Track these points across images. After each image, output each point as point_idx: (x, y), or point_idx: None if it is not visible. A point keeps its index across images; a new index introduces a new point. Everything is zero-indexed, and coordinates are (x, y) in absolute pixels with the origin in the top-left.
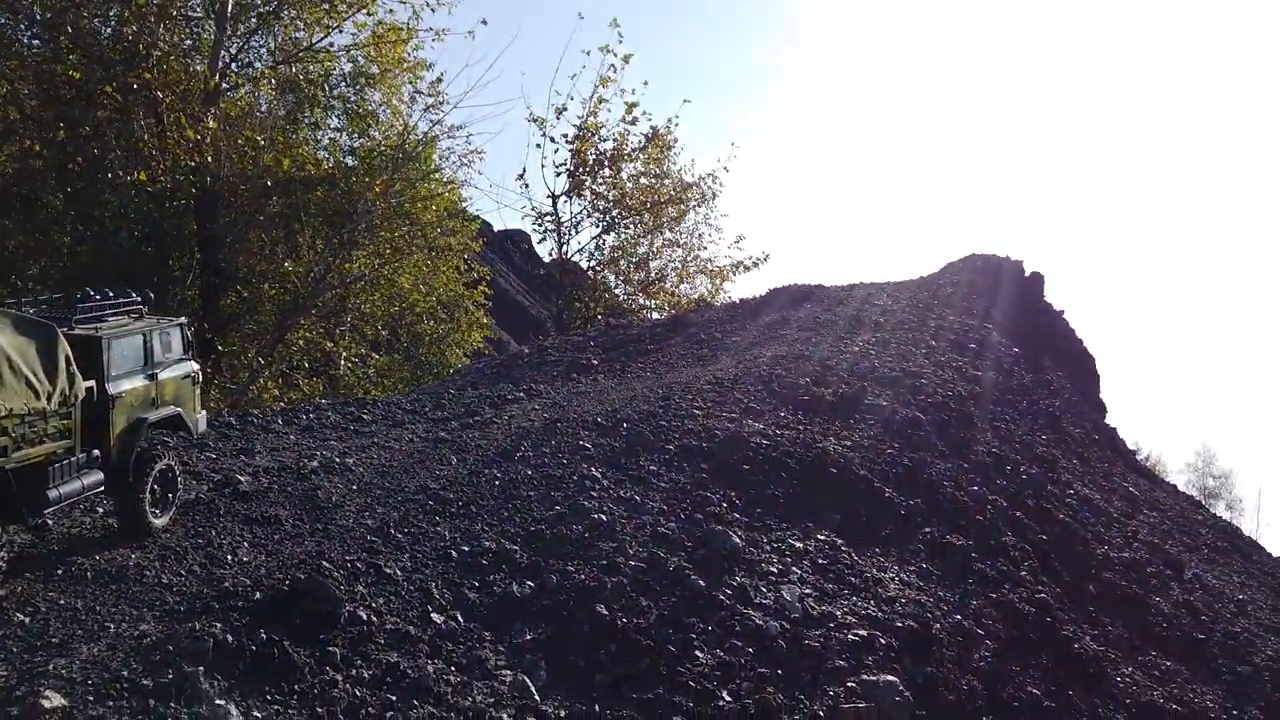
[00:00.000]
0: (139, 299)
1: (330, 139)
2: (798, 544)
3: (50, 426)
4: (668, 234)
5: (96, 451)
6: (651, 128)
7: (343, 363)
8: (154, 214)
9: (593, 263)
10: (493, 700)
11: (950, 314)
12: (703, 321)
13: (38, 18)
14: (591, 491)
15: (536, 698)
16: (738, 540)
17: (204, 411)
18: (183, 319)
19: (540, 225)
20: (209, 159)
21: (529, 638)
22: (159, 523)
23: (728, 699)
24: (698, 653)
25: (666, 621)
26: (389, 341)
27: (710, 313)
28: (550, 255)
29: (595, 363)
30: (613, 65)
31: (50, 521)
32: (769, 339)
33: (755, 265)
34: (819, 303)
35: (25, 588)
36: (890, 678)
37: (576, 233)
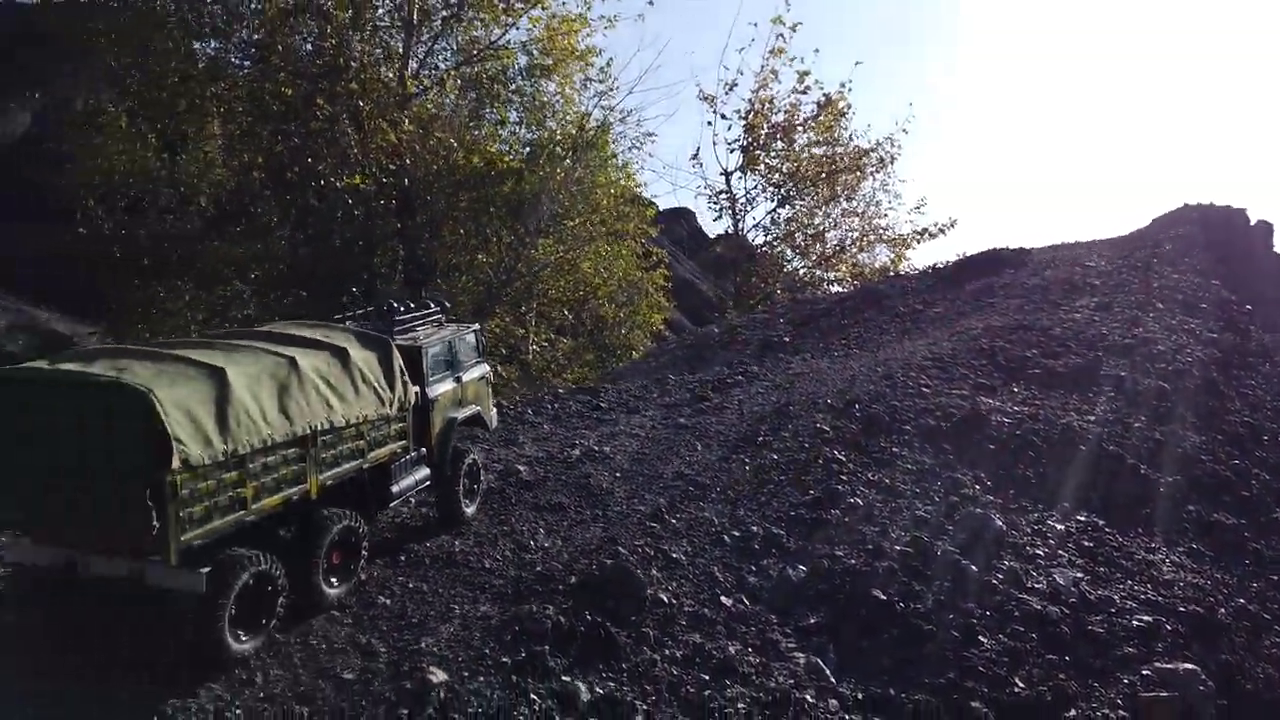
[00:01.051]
0: (439, 308)
1: (511, 132)
2: (1059, 526)
3: (392, 430)
4: (844, 203)
5: (424, 449)
6: (824, 95)
7: (532, 348)
8: (361, 215)
9: (768, 238)
10: (793, 682)
11: (1172, 272)
12: (896, 292)
13: (248, 39)
14: (841, 475)
15: (832, 679)
16: (1000, 523)
17: (495, 409)
18: (476, 325)
19: (715, 204)
20: (407, 160)
21: (813, 621)
22: (469, 511)
23: (1020, 685)
24: (981, 638)
25: (944, 606)
26: (573, 326)
27: (902, 282)
28: (724, 232)
29: (787, 339)
30: (781, 35)
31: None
32: (976, 309)
33: (941, 232)
34: (1024, 267)
35: (379, 572)
36: (1191, 666)
37: (751, 208)
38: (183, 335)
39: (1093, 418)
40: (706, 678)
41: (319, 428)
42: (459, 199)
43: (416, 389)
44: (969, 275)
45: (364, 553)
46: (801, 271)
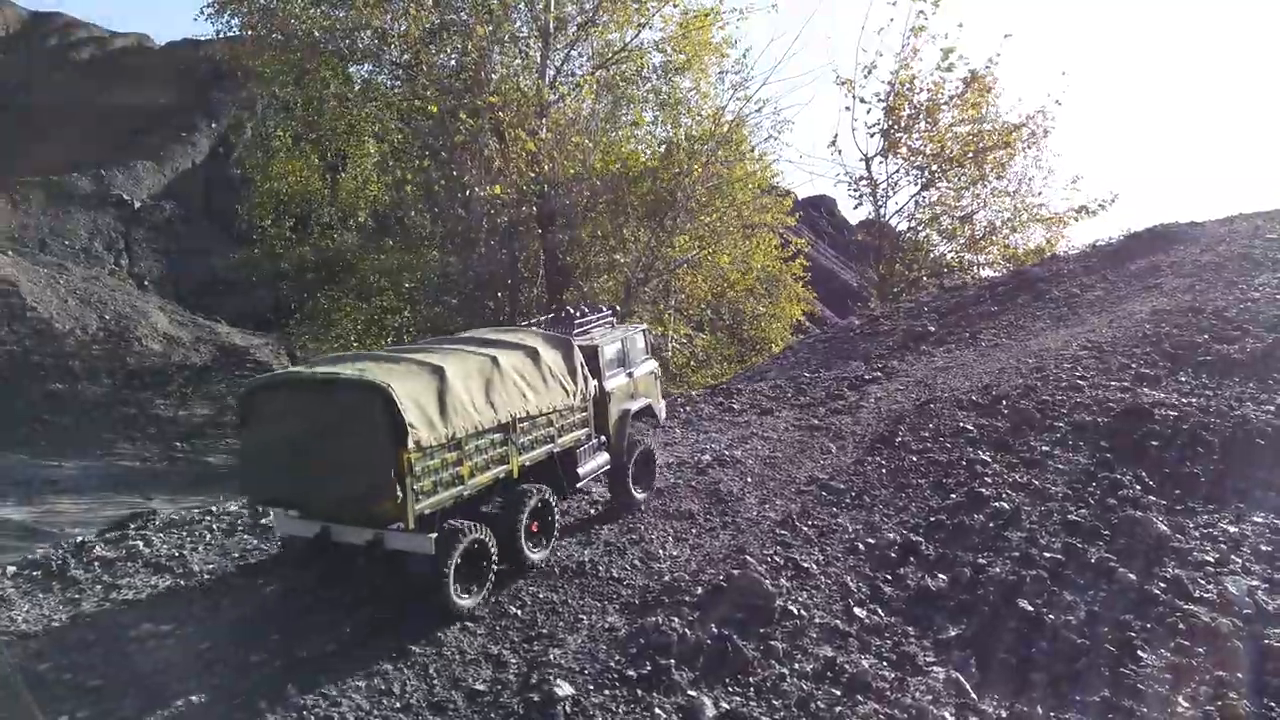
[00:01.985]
0: (611, 311)
1: (648, 131)
2: (1231, 529)
3: (576, 418)
4: (994, 183)
5: (604, 437)
6: (970, 71)
7: (670, 344)
8: (504, 223)
9: (912, 223)
10: (930, 699)
11: None
12: (1051, 275)
13: (396, 60)
14: (985, 477)
15: (974, 696)
16: (1163, 527)
17: (664, 402)
18: (644, 326)
19: (855, 191)
20: (546, 167)
21: (954, 633)
22: (640, 497)
23: (1185, 705)
24: (1140, 652)
25: (1099, 618)
26: (712, 321)
27: (1058, 264)
28: (865, 219)
29: (932, 329)
30: (922, 12)
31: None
32: (1141, 290)
33: (1101, 208)
34: (1194, 243)
35: (510, 582)
36: None
37: (894, 193)
38: (344, 345)
39: (1272, 409)
40: (838, 693)
41: (518, 416)
42: (597, 201)
43: (595, 383)
44: (1133, 254)
45: (555, 525)
46: (949, 256)
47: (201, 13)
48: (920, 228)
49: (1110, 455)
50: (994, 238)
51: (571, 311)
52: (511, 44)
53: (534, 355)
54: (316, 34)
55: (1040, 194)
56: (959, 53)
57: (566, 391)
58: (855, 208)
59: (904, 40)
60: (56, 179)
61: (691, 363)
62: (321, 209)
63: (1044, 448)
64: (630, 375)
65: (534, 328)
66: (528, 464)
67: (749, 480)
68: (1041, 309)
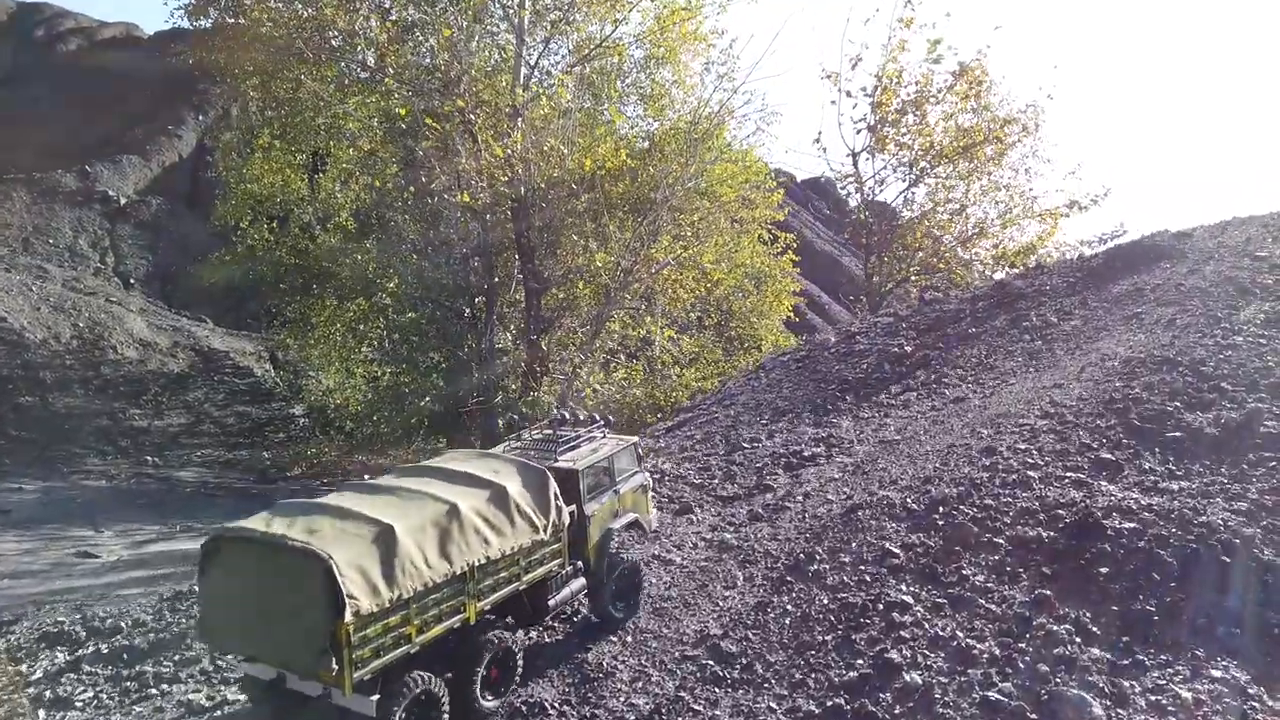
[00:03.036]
0: (603, 422)
1: (631, 126)
2: (1185, 692)
3: (547, 552)
4: (987, 178)
5: (579, 563)
6: (959, 64)
7: (657, 344)
8: (478, 229)
9: (899, 220)
10: None
11: None
12: (1033, 291)
13: (362, 62)
14: (902, 630)
15: None
16: (1098, 711)
17: (656, 511)
18: (635, 439)
19: (843, 188)
20: (519, 171)
21: None
22: (619, 616)
23: None
24: None
25: None
26: (699, 320)
27: (1041, 278)
28: (852, 215)
29: (909, 349)
30: (909, 2)
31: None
32: (1120, 322)
33: (1094, 203)
34: (1180, 260)
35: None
36: None
37: (881, 189)
38: (326, 350)
39: (1242, 507)
40: None
41: (476, 564)
42: (575, 203)
43: (573, 508)
44: (1116, 272)
45: (518, 667)
46: (936, 259)
47: (173, 14)
48: (911, 224)
49: (1051, 587)
50: (984, 235)
51: (565, 417)
52: (485, 39)
53: (501, 495)
54: (282, 33)
55: (1031, 189)
56: (948, 44)
57: (536, 527)
58: (845, 196)
59: (890, 32)
60: (40, 175)
61: (676, 364)
62: (301, 210)
63: (978, 578)
64: (616, 492)
65: (516, 447)
66: (488, 608)
67: (627, 643)
68: (1016, 340)
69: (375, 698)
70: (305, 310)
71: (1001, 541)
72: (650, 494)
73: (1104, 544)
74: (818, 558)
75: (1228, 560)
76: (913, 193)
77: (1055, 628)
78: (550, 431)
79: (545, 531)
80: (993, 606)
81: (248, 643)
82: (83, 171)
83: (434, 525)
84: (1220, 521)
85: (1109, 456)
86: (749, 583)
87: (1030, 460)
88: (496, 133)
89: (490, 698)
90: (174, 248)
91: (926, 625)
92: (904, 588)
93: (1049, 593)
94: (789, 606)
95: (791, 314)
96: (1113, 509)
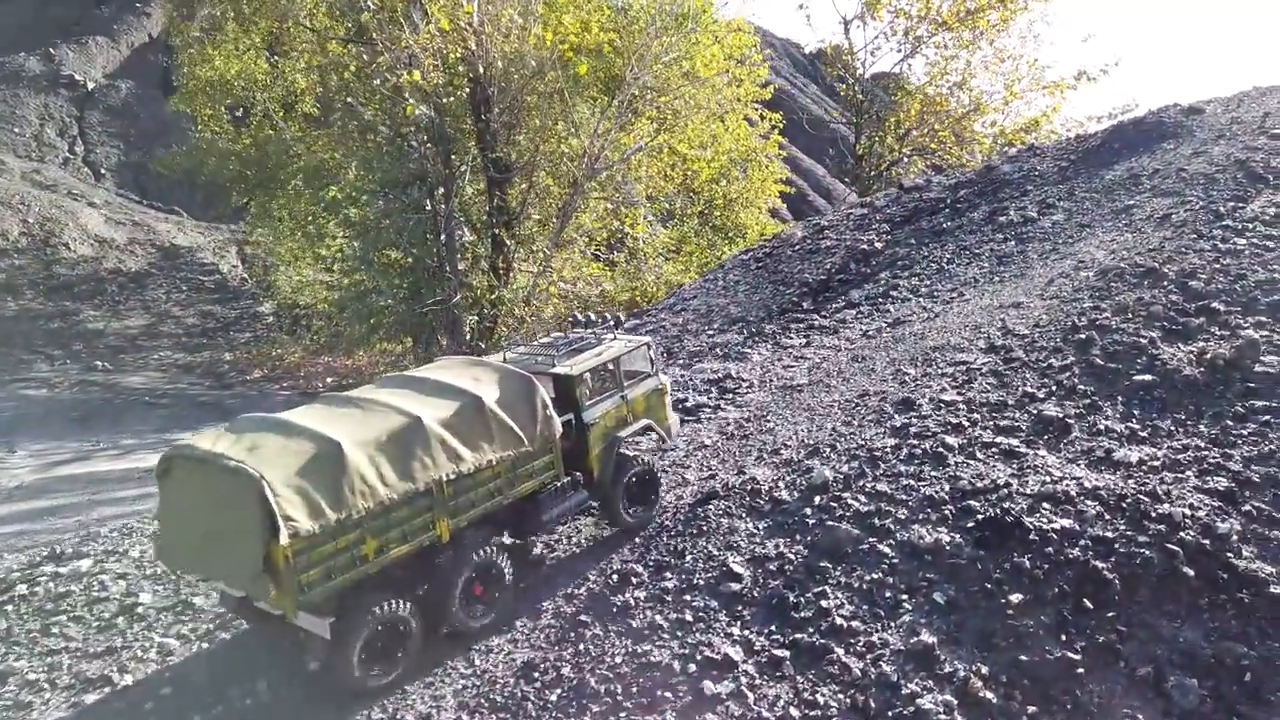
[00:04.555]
0: (614, 322)
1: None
2: None
3: (537, 464)
4: (989, 46)
5: (579, 474)
6: None
7: (633, 237)
8: (430, 113)
9: (894, 96)
10: None
11: None
12: (1021, 179)
13: None
14: (710, 715)
15: None
16: None
17: (675, 416)
18: (647, 339)
19: (829, 64)
20: (472, 46)
21: None
22: (635, 521)
23: None
24: None
25: None
26: (682, 210)
27: (1033, 162)
28: (849, 89)
29: (879, 246)
30: None
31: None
32: (1107, 217)
33: (1104, 72)
34: (1188, 139)
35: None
36: None
37: (874, 61)
38: (295, 242)
39: (1223, 483)
40: None
41: (446, 479)
42: (539, 84)
43: (570, 416)
44: (1115, 154)
45: (508, 581)
46: (941, 121)
47: None
48: (903, 98)
49: (939, 633)
50: (982, 111)
51: (578, 319)
52: None
53: (476, 406)
54: None
55: (1037, 59)
56: None
57: (521, 439)
58: (834, 79)
59: None
60: (2, 60)
61: (655, 257)
62: (263, 97)
63: (843, 611)
64: (624, 398)
65: (519, 352)
66: (465, 524)
67: None
68: (987, 240)
69: (330, 620)
70: (266, 204)
71: (887, 550)
72: (669, 398)
73: (1023, 554)
74: (633, 582)
75: (1191, 574)
76: (909, 64)
77: (930, 699)
78: (559, 335)
79: (533, 443)
80: (852, 662)
81: (198, 564)
82: (46, 55)
83: (392, 440)
84: (1187, 513)
85: (1055, 412)
86: (525, 643)
87: (953, 419)
88: (449, 1)
89: (479, 614)
90: (147, 135)
91: (749, 700)
92: (736, 632)
93: (932, 639)
94: (565, 672)
95: (779, 200)
96: (1044, 498)
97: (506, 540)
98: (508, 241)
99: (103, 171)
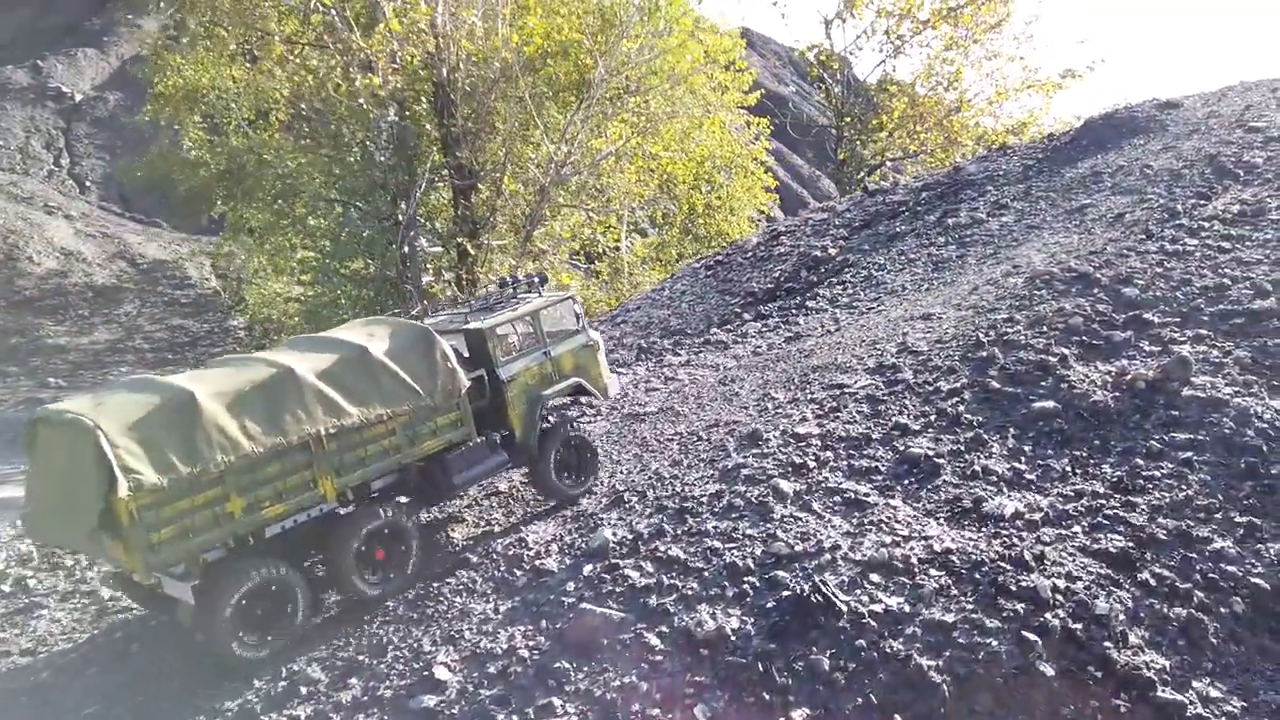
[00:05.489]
0: (537, 279)
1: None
2: None
3: (440, 421)
4: (976, 45)
5: (497, 435)
6: None
7: (610, 246)
8: (389, 120)
9: (878, 95)
10: None
11: None
12: (985, 178)
13: None
14: None
15: None
16: None
17: (615, 375)
18: (571, 294)
19: (814, 59)
20: (431, 49)
21: None
22: (572, 490)
23: None
24: None
25: None
26: (664, 218)
27: (1000, 162)
28: (834, 96)
29: (833, 252)
30: None
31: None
32: (1060, 218)
33: (1090, 69)
34: (1160, 134)
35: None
36: None
37: (856, 60)
38: (273, 253)
39: (1120, 542)
40: None
41: (325, 433)
42: (506, 87)
43: (481, 372)
44: (1083, 150)
45: (412, 547)
46: (925, 122)
47: None
48: (885, 100)
49: None
50: (964, 109)
51: (507, 280)
52: None
53: (360, 357)
54: None
55: (1023, 58)
56: None
57: (417, 391)
58: (813, 82)
59: None
60: None
61: (629, 268)
62: (237, 106)
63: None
64: (548, 354)
65: (440, 312)
66: (357, 484)
67: None
68: (929, 243)
69: (193, 583)
70: (239, 215)
71: (654, 641)
72: (602, 355)
73: (825, 648)
74: (303, 693)
75: (1050, 673)
76: (892, 65)
77: None
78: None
79: (432, 397)
80: None
81: (53, 530)
82: (34, 67)
83: (257, 390)
84: (1060, 585)
85: (924, 449)
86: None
87: (798, 459)
88: (406, 2)
89: (376, 581)
90: (133, 146)
91: None
92: None
93: None
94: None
95: (766, 209)
96: (875, 566)
97: (403, 501)
98: (471, 251)
99: (88, 184)
